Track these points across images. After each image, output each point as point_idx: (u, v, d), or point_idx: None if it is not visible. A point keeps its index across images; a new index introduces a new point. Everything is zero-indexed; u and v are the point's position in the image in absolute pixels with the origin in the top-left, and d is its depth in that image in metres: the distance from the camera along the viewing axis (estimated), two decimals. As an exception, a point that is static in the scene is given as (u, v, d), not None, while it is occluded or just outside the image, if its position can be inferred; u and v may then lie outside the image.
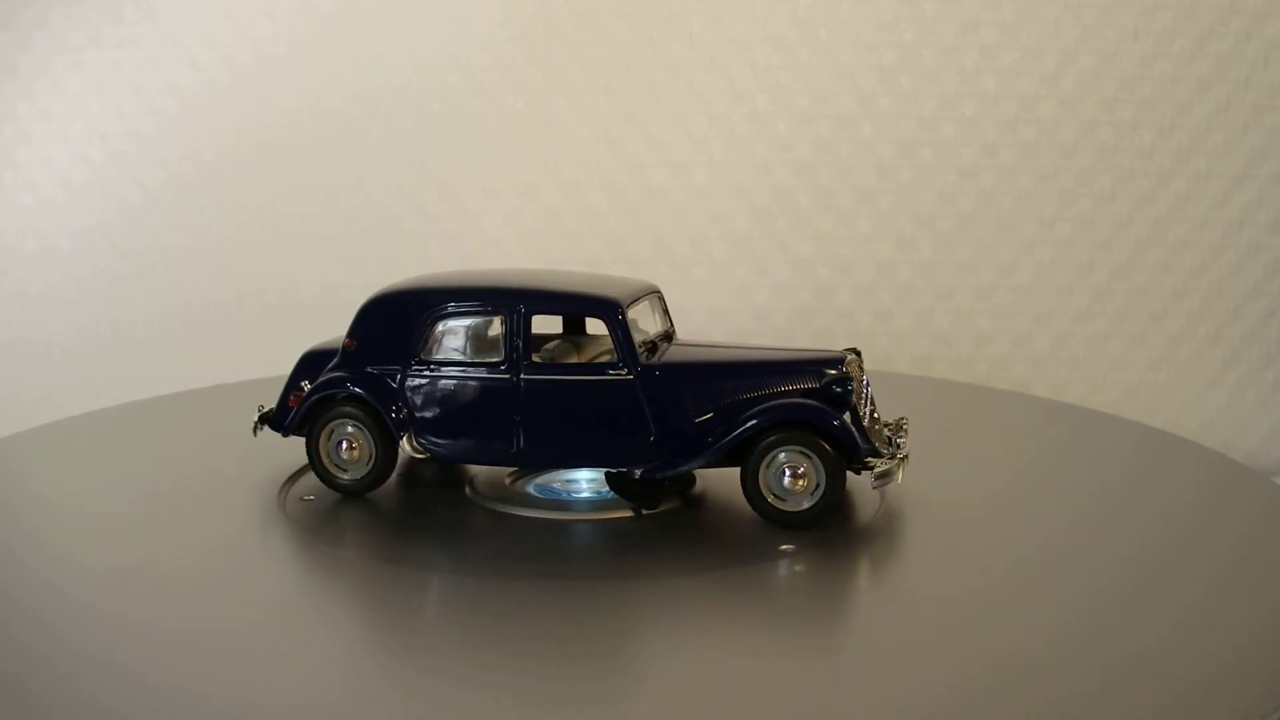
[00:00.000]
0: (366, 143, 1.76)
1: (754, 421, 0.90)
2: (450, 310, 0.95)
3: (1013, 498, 1.01)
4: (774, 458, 0.90)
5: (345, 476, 0.99)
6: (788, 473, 0.90)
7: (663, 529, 0.92)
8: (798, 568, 0.85)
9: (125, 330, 1.80)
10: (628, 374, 0.92)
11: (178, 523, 0.94)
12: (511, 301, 0.94)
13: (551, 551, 0.89)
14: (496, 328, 0.95)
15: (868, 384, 0.96)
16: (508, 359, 0.93)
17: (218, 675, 0.68)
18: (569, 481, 1.01)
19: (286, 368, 1.07)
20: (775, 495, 0.90)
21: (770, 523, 0.90)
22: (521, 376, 0.93)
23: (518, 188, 1.77)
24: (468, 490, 1.01)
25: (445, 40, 1.75)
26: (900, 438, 0.97)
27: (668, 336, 1.01)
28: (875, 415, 0.97)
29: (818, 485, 0.90)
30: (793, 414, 0.90)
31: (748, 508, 0.92)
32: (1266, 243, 1.81)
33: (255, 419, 1.04)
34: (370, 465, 0.98)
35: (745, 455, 0.91)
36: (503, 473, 1.04)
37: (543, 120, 1.76)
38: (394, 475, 1.02)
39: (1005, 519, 0.95)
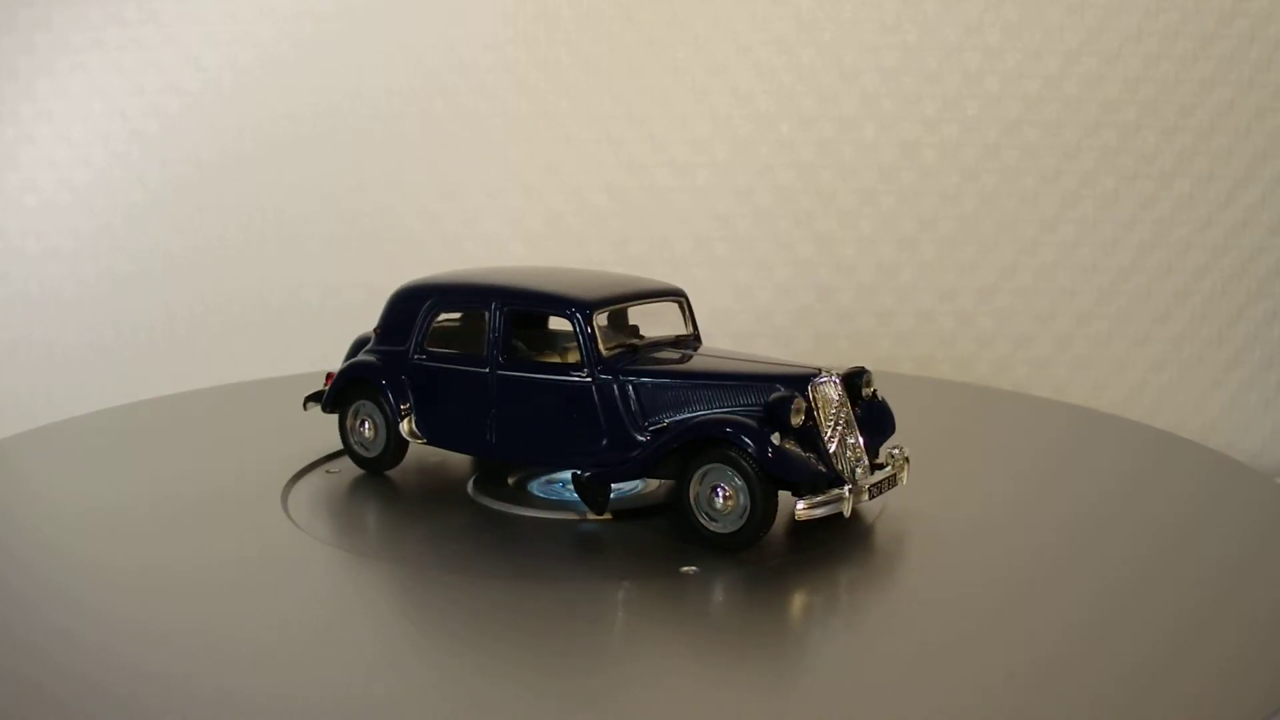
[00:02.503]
0: (368, 144, 1.76)
1: (673, 436, 0.88)
2: (444, 304, 1.01)
3: (1015, 499, 1.01)
4: (704, 475, 0.87)
5: (367, 454, 1.05)
6: (719, 492, 0.86)
7: (657, 532, 0.92)
8: (794, 570, 0.85)
9: (127, 332, 1.80)
10: (586, 376, 0.93)
11: (182, 524, 0.94)
12: (490, 299, 0.97)
13: (551, 552, 0.89)
14: (480, 323, 0.98)
15: (842, 406, 0.90)
16: (487, 354, 0.96)
17: (231, 674, 0.68)
18: (570, 484, 1.01)
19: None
20: (705, 514, 0.87)
21: (702, 542, 0.87)
22: (496, 372, 0.96)
23: (520, 189, 1.77)
24: (470, 490, 1.01)
25: (447, 41, 1.75)
26: (860, 465, 0.90)
27: (679, 342, 1.00)
28: (850, 441, 0.90)
29: (746, 508, 0.85)
30: (709, 431, 0.86)
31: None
32: (1269, 244, 1.81)
33: (306, 396, 1.11)
34: (384, 445, 1.03)
35: (681, 470, 0.88)
36: (506, 473, 1.04)
37: (545, 121, 1.76)
38: (400, 475, 1.04)
39: (1008, 520, 0.95)
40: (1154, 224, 1.79)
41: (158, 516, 0.95)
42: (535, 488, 1.01)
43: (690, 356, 0.96)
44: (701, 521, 0.87)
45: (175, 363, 1.78)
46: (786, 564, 0.85)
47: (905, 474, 0.93)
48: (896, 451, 0.94)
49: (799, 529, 0.90)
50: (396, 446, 1.03)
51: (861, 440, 0.91)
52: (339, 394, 1.05)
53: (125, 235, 1.78)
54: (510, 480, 1.03)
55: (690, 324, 1.02)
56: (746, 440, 0.84)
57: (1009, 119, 1.75)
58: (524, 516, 0.95)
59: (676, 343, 1.00)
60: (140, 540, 0.90)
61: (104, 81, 1.75)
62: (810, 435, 0.87)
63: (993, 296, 1.79)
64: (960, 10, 1.73)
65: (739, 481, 0.85)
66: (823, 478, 0.86)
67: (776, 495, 0.85)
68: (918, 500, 0.96)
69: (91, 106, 1.75)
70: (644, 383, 0.92)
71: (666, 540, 0.89)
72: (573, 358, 0.96)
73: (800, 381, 0.89)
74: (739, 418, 0.86)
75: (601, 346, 0.93)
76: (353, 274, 1.76)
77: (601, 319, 0.94)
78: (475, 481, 1.03)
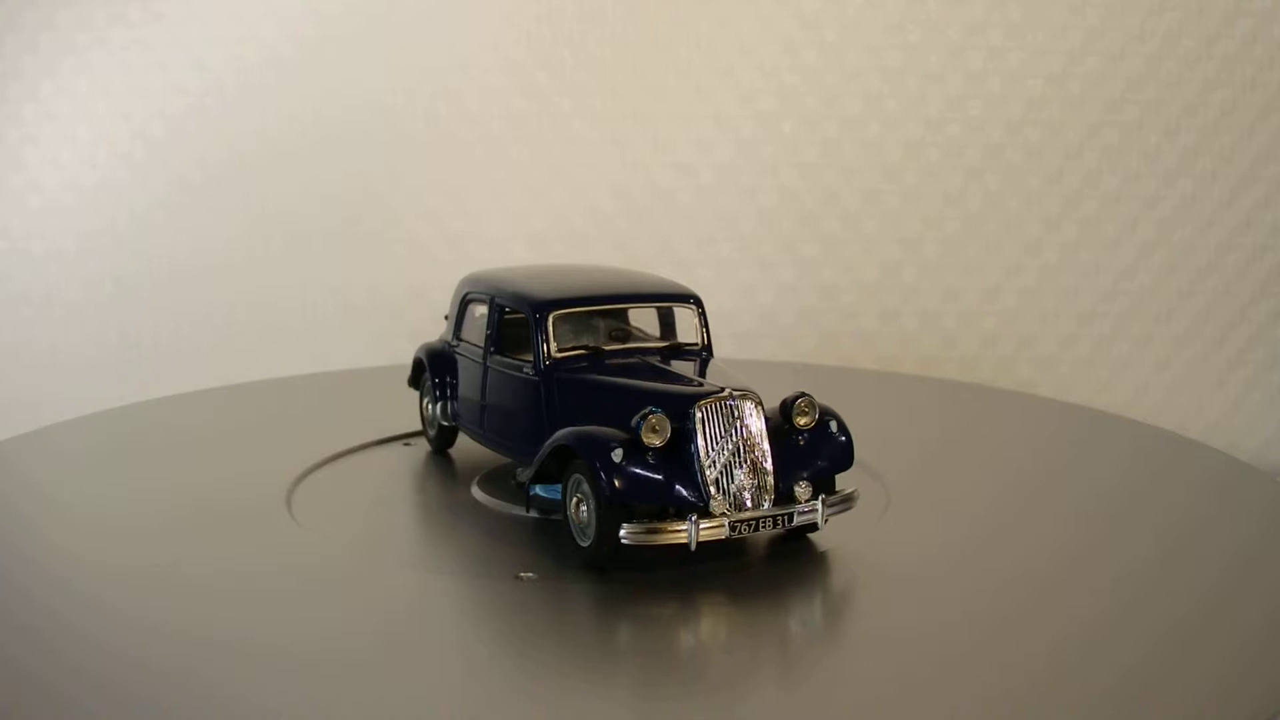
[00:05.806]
0: (373, 145, 1.76)
1: (547, 443, 0.86)
2: (471, 298, 1.07)
3: (1018, 499, 1.01)
4: (578, 485, 0.84)
5: (431, 431, 1.13)
6: (583, 505, 0.83)
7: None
8: (798, 573, 0.85)
9: (132, 334, 1.80)
10: (534, 375, 0.94)
11: (186, 525, 0.94)
12: (490, 294, 1.02)
13: (550, 551, 0.89)
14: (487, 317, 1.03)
15: (731, 430, 0.82)
16: (485, 347, 1.02)
17: (232, 672, 0.68)
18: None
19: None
20: (576, 527, 0.85)
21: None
22: (487, 365, 1.02)
23: (523, 189, 1.77)
24: (475, 490, 1.02)
25: (451, 42, 1.75)
26: (753, 496, 0.82)
27: (672, 349, 0.97)
28: (738, 471, 0.81)
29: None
30: (563, 441, 0.84)
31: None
32: (1273, 244, 1.80)
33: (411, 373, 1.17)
34: (436, 425, 1.12)
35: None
36: (509, 473, 1.04)
37: (548, 121, 1.76)
38: (408, 474, 1.08)
39: (1011, 520, 0.95)
40: (1157, 224, 1.79)
41: (160, 517, 0.95)
42: (539, 488, 1.01)
43: (648, 365, 0.93)
44: (574, 534, 0.85)
45: (179, 364, 1.78)
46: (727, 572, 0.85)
47: (821, 515, 0.83)
48: (802, 488, 0.83)
49: (773, 543, 0.88)
50: (443, 427, 1.11)
51: (770, 470, 0.83)
52: (416, 375, 1.14)
53: (129, 237, 1.78)
54: (516, 480, 1.03)
55: (702, 331, 0.99)
56: (588, 453, 0.82)
57: (1012, 119, 1.75)
58: (524, 517, 0.95)
59: (667, 350, 0.97)
60: (143, 540, 0.90)
61: (108, 82, 1.75)
62: (684, 457, 0.82)
63: (996, 296, 1.79)
64: (963, 10, 1.73)
65: (590, 495, 0.82)
66: (686, 504, 0.81)
67: (618, 514, 0.81)
68: (921, 501, 0.96)
69: (96, 107, 1.76)
70: (575, 388, 0.92)
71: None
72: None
73: (682, 400, 0.83)
74: (594, 430, 0.83)
75: (552, 346, 0.93)
76: (356, 275, 1.76)
77: (561, 319, 0.94)
78: (480, 480, 1.03)
